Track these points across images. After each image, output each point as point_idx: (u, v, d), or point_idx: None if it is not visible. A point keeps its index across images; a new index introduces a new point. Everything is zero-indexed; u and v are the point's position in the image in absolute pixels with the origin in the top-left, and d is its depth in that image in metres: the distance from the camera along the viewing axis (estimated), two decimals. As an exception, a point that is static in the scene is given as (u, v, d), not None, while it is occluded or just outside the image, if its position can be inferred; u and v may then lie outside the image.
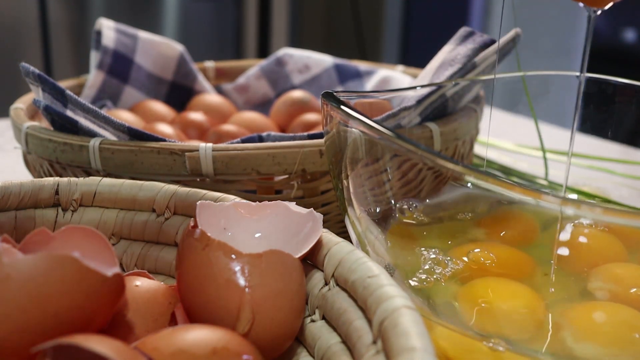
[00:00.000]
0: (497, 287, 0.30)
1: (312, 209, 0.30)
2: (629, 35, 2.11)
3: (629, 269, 0.32)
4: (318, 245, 0.28)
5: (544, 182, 0.54)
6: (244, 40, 1.81)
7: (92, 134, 0.41)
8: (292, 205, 0.30)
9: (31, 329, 0.22)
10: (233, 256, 0.26)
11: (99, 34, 0.60)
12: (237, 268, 0.26)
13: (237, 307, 0.25)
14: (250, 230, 0.30)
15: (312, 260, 0.29)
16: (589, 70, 0.37)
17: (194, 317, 0.27)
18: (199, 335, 0.23)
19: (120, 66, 0.60)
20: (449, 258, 0.31)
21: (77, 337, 0.20)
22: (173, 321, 0.27)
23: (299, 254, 0.28)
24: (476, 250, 0.32)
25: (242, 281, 0.26)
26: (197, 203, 0.29)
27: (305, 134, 0.40)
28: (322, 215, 0.29)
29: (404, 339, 0.21)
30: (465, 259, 0.31)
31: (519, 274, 0.31)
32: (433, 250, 0.32)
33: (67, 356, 0.21)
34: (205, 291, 0.26)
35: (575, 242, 0.32)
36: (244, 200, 0.31)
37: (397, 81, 0.60)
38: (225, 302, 0.25)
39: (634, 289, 0.29)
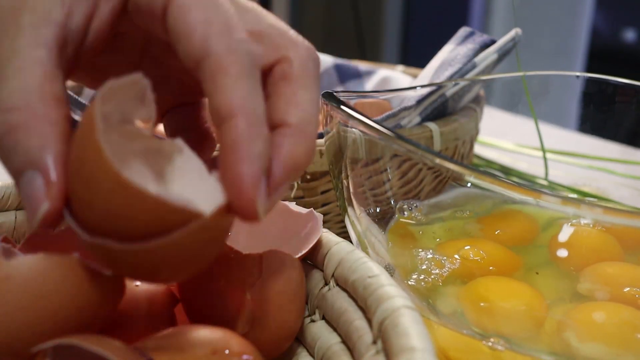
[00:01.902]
0: (497, 286, 0.30)
1: (312, 208, 0.30)
2: (629, 35, 2.11)
3: (622, 268, 0.32)
4: (318, 245, 0.28)
5: (544, 182, 0.54)
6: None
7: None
8: (292, 205, 0.30)
9: (31, 329, 0.22)
10: (233, 256, 0.26)
11: (99, 34, 0.60)
12: (237, 268, 0.26)
13: (237, 308, 0.25)
14: (250, 231, 0.30)
15: (312, 260, 0.29)
16: (588, 71, 0.37)
17: (194, 317, 0.27)
18: (199, 335, 0.23)
19: (120, 66, 0.60)
20: (445, 257, 0.31)
21: (77, 337, 0.20)
22: (173, 321, 0.27)
23: (299, 254, 0.28)
24: (466, 247, 0.32)
25: (241, 281, 0.26)
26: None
27: (305, 134, 0.40)
28: (322, 215, 0.29)
29: (404, 339, 0.21)
30: (457, 257, 0.31)
31: (504, 272, 0.31)
32: (431, 250, 0.32)
33: (67, 356, 0.21)
34: (205, 291, 0.26)
35: (571, 241, 0.32)
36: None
37: (397, 81, 0.59)
38: (225, 302, 0.25)
39: (628, 288, 0.29)
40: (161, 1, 0.24)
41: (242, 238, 0.30)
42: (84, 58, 0.25)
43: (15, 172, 0.22)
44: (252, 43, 0.24)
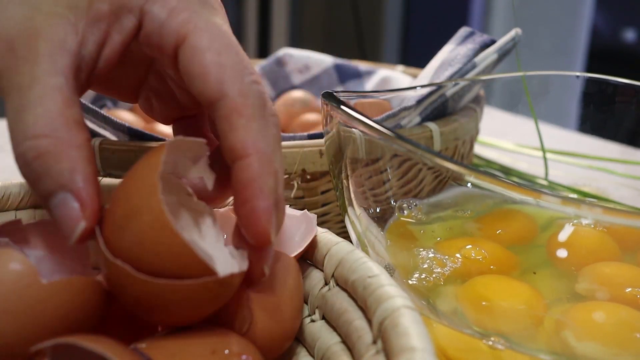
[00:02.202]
0: (496, 285, 0.30)
1: (305, 210, 0.30)
2: (629, 35, 2.11)
3: (620, 268, 0.32)
4: (318, 245, 0.28)
5: (544, 182, 0.54)
6: (244, 40, 1.81)
7: (92, 134, 0.41)
8: (287, 209, 0.30)
9: (30, 331, 0.21)
10: (233, 256, 0.26)
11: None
12: (237, 268, 0.26)
13: (236, 308, 0.25)
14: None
15: (312, 260, 0.29)
16: (588, 71, 0.37)
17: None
18: (198, 335, 0.23)
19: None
20: (446, 257, 0.31)
21: (76, 336, 0.20)
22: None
23: (295, 253, 0.28)
24: (467, 246, 0.32)
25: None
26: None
27: (305, 134, 0.40)
28: (315, 216, 0.29)
29: (404, 339, 0.21)
30: (459, 256, 0.31)
31: (501, 271, 0.31)
32: (432, 249, 0.32)
33: (66, 356, 0.21)
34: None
35: (569, 242, 0.32)
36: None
37: (397, 81, 0.60)
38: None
39: (625, 288, 0.29)
40: (173, 40, 0.25)
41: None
42: (94, 80, 0.26)
43: (46, 195, 0.23)
44: (261, 84, 0.25)
